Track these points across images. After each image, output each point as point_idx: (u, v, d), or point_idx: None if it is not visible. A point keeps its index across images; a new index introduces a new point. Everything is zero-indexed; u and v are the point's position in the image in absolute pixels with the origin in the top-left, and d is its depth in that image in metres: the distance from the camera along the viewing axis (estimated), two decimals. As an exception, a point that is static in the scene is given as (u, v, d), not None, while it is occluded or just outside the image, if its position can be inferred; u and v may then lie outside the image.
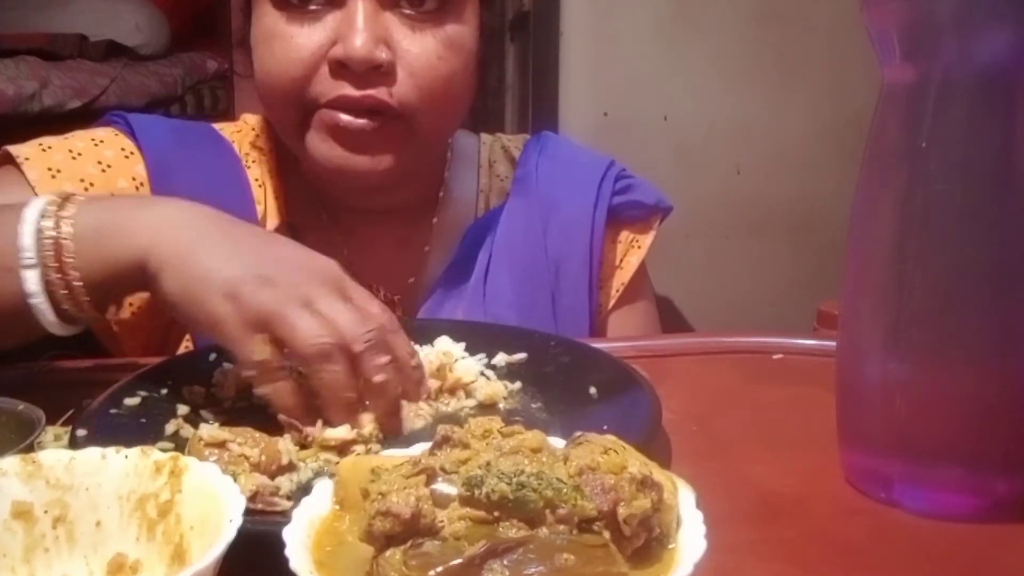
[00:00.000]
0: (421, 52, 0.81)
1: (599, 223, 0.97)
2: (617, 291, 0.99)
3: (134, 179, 0.87)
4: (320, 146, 0.82)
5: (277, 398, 0.59)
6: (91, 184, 0.84)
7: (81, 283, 0.61)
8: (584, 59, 1.63)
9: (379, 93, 0.80)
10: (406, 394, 0.61)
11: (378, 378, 0.58)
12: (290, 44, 0.80)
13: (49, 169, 0.83)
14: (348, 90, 0.79)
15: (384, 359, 0.59)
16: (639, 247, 1.00)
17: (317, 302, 0.58)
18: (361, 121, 0.80)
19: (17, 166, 0.82)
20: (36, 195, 0.72)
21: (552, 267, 0.96)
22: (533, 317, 0.91)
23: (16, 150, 0.83)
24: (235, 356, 0.60)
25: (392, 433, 0.60)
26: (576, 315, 0.96)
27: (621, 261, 1.00)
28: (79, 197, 0.64)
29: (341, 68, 0.79)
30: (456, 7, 0.83)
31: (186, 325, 0.67)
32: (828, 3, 1.67)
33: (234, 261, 0.60)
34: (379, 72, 0.79)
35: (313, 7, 0.80)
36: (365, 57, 0.78)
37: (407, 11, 0.81)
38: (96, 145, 0.87)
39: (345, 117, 0.80)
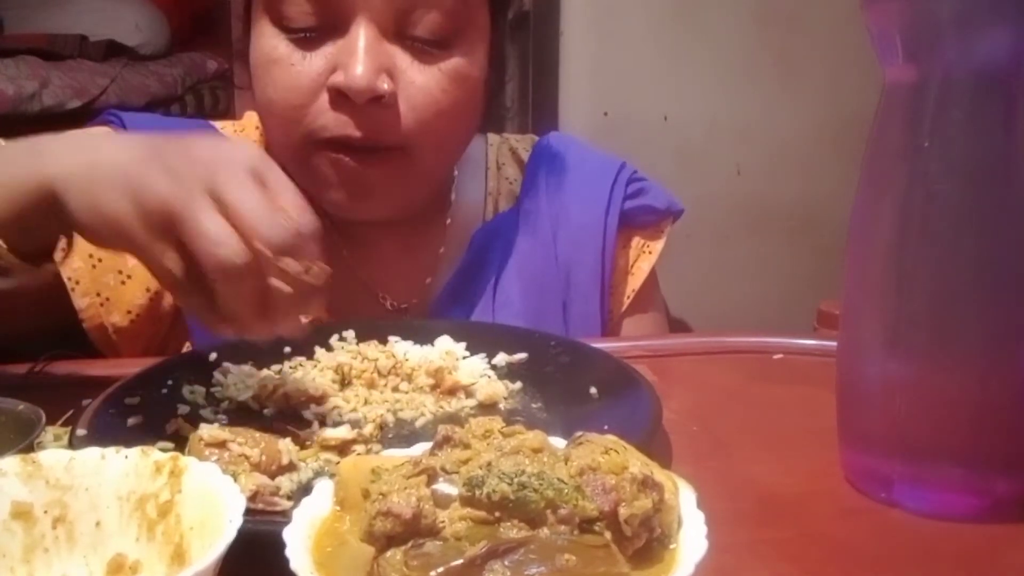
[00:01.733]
0: (425, 84, 0.77)
1: (611, 229, 0.95)
2: (628, 297, 0.97)
3: None
4: (322, 189, 0.80)
5: (197, 313, 0.54)
6: None
7: None
8: (584, 59, 1.63)
9: (380, 129, 0.77)
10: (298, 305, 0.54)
11: (276, 284, 0.52)
12: (290, 72, 0.77)
13: None
14: (351, 130, 0.76)
15: (291, 266, 0.52)
16: (650, 252, 0.98)
17: (226, 190, 0.51)
18: (365, 167, 0.78)
19: None
20: None
21: (563, 274, 0.94)
22: (544, 326, 0.88)
23: None
24: (147, 267, 0.53)
25: (260, 335, 0.55)
26: (588, 322, 0.94)
27: (632, 267, 0.98)
28: None
29: (340, 98, 0.75)
30: (464, 38, 0.79)
31: (101, 244, 0.58)
32: (828, 3, 1.67)
33: (134, 149, 0.54)
34: (380, 103, 0.76)
35: (313, 33, 0.77)
36: (365, 87, 0.74)
37: (412, 41, 0.77)
38: None
39: (348, 161, 0.78)
